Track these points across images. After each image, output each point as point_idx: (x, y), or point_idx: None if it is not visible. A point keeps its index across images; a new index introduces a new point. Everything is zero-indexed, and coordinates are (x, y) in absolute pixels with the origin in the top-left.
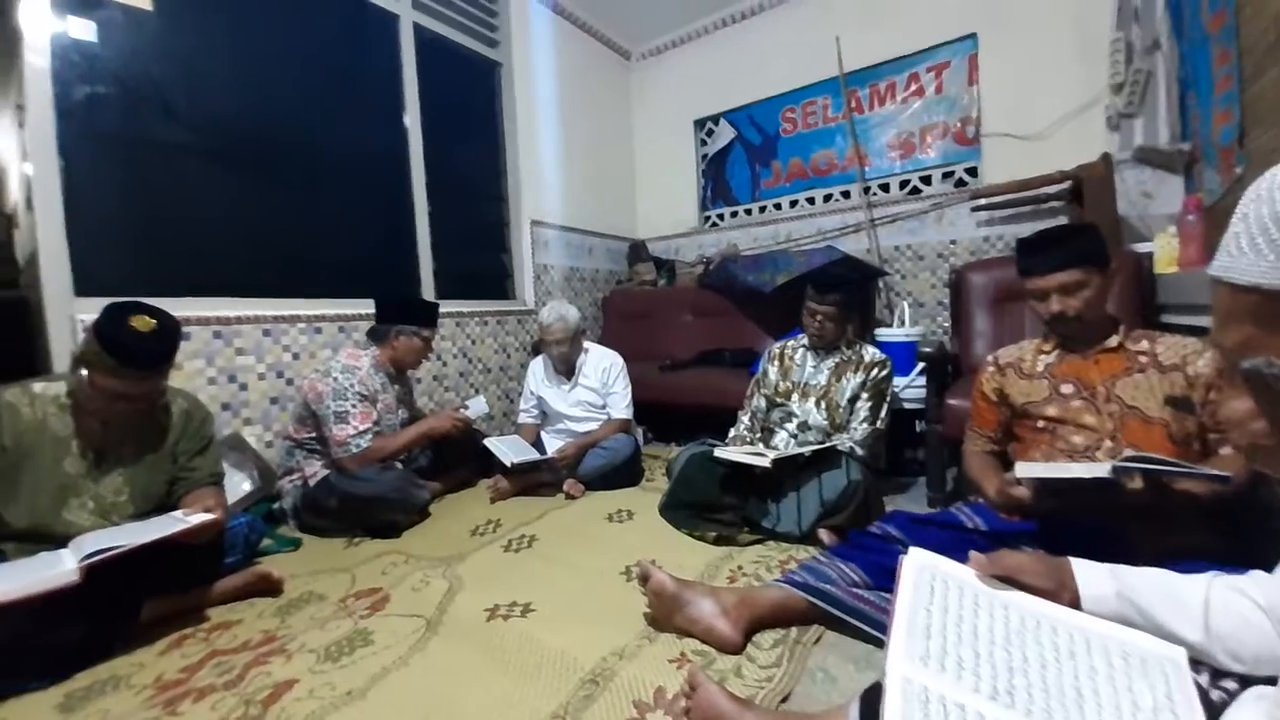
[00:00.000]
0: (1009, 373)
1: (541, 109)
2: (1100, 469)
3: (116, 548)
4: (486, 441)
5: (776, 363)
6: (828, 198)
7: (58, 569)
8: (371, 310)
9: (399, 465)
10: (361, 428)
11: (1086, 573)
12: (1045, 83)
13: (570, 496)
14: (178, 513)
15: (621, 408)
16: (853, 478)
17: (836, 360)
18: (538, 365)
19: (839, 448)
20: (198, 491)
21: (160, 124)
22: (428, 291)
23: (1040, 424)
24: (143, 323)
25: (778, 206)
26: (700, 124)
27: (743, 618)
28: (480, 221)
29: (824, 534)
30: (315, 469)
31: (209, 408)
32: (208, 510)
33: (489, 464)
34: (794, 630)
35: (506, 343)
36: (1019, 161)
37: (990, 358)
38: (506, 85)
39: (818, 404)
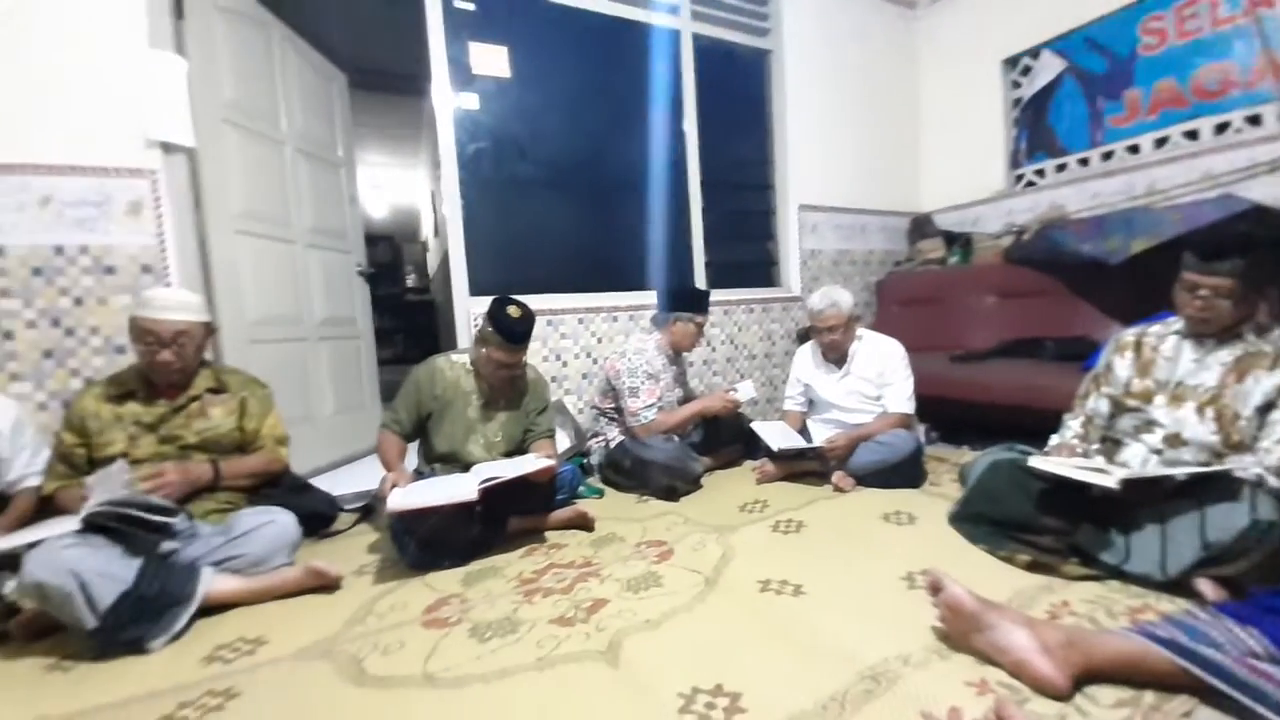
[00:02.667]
0: None
1: (812, 90)
2: None
3: (499, 478)
4: (754, 425)
5: (1130, 355)
6: (1221, 128)
7: (464, 488)
8: (652, 300)
9: (677, 439)
10: (649, 402)
11: None
12: None
13: (839, 489)
14: (530, 455)
15: (901, 401)
16: (1261, 516)
17: (1236, 353)
18: (805, 352)
19: (1237, 474)
20: (540, 441)
21: (516, 165)
22: (700, 281)
23: None
24: (515, 310)
25: (1133, 149)
26: (1012, 63)
27: (1071, 662)
28: (747, 212)
29: (1205, 585)
30: (614, 434)
31: (545, 378)
32: (549, 457)
33: (754, 446)
34: (1149, 694)
35: (771, 330)
36: None
37: None
38: (776, 72)
39: (1200, 411)
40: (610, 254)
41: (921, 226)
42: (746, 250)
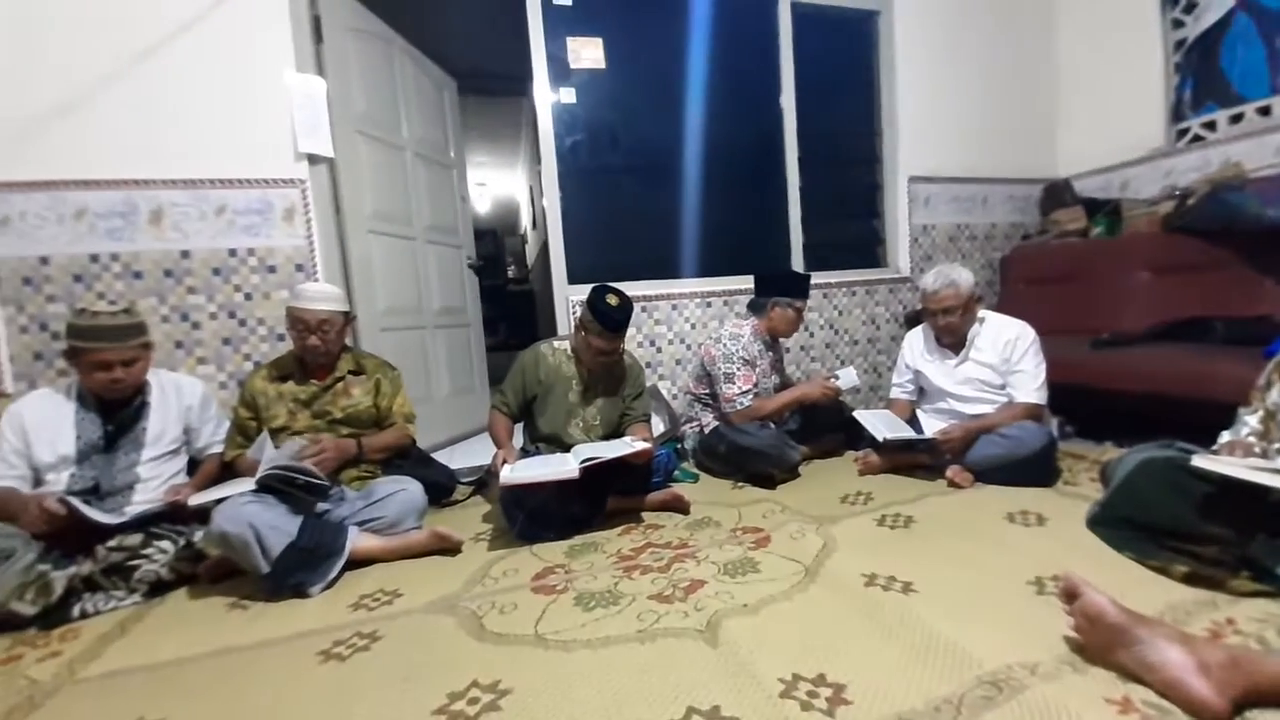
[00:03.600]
0: None
1: (925, 49)
2: None
3: (599, 458)
4: (856, 414)
5: None
6: None
7: (566, 466)
8: (747, 285)
9: (773, 426)
10: (745, 388)
11: None
12: None
13: (954, 484)
14: (627, 438)
15: (1031, 390)
16: None
17: None
18: (916, 337)
19: None
20: (635, 425)
21: (610, 154)
22: (797, 264)
23: None
24: (614, 298)
25: None
26: (1172, 0)
27: (1233, 684)
28: (849, 189)
29: None
30: (709, 419)
31: (640, 363)
32: (645, 440)
33: (855, 436)
34: None
35: (875, 314)
36: None
37: None
38: (885, 34)
39: None
40: (704, 239)
41: (1057, 194)
42: (848, 229)
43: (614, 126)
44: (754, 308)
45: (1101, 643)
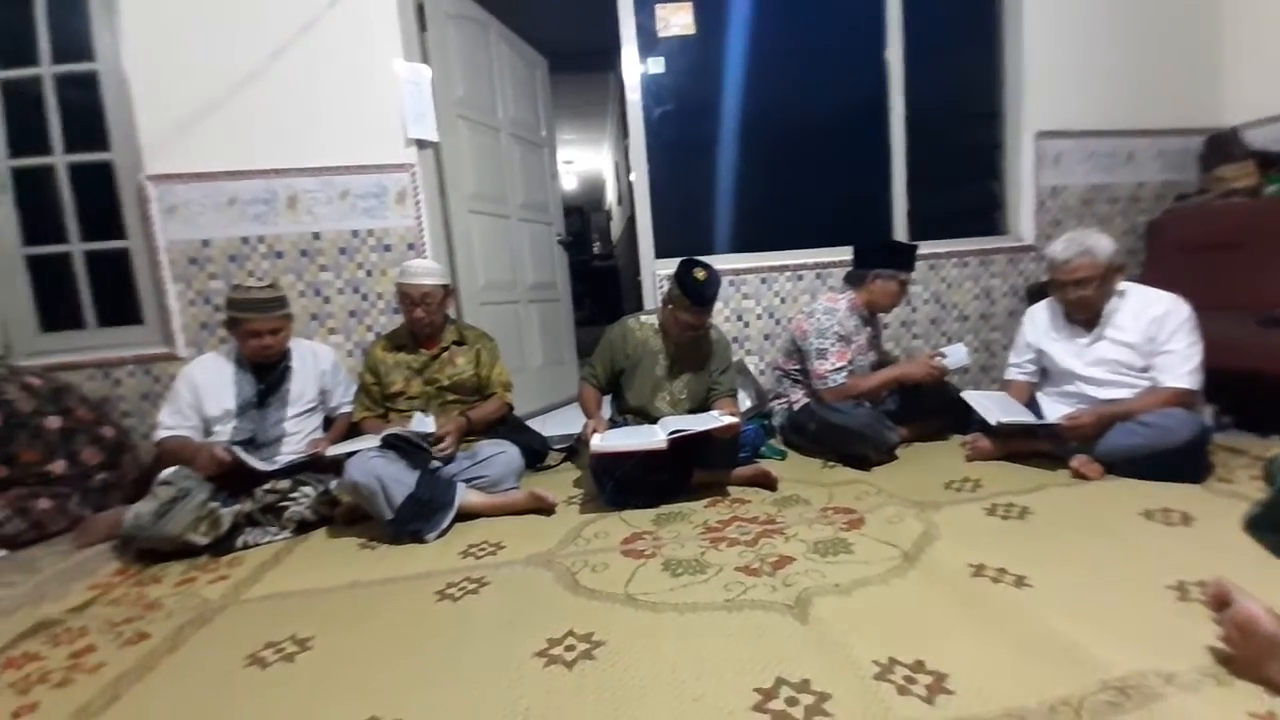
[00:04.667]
0: None
1: None
2: None
3: (686, 430)
4: (966, 395)
5: None
6: None
7: (654, 437)
8: (841, 258)
9: (868, 404)
10: (838, 365)
11: None
12: None
13: (1080, 475)
14: (714, 412)
15: (1181, 373)
16: None
17: None
18: (1040, 312)
19: None
20: (722, 400)
21: (698, 124)
22: (899, 233)
23: None
24: (701, 273)
25: None
26: None
27: None
28: (963, 148)
29: None
30: (798, 396)
31: (727, 338)
32: (731, 415)
33: (964, 418)
34: None
35: (990, 286)
36: None
37: None
38: None
39: None
40: (796, 209)
41: (1222, 147)
42: (960, 194)
43: (703, 94)
44: (851, 280)
45: (1253, 655)
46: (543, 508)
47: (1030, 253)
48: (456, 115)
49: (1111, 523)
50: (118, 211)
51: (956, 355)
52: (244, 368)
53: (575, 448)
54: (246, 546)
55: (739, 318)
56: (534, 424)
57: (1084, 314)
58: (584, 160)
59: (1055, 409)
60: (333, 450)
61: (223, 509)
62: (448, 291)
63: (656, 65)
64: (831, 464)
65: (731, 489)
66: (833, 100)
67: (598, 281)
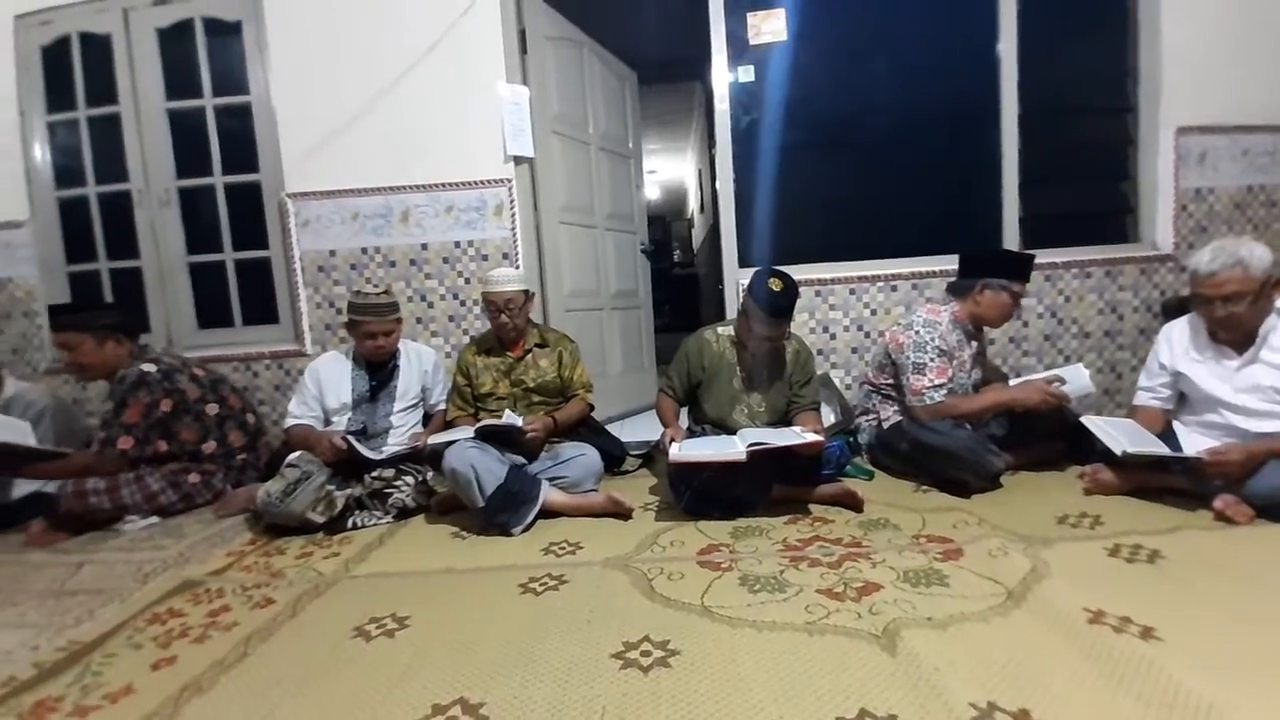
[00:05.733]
0: None
1: None
2: None
3: (766, 444)
4: (1087, 420)
5: None
6: None
7: (734, 449)
8: (941, 267)
9: (968, 425)
10: (937, 381)
11: None
12: None
13: (1224, 518)
14: (796, 428)
15: None
16: None
17: None
18: (1178, 330)
19: None
20: (804, 414)
21: (787, 130)
22: (1010, 241)
23: None
24: (776, 283)
25: None
26: None
27: None
28: (1085, 147)
29: None
30: (889, 413)
31: (810, 350)
32: (815, 432)
33: (1082, 446)
34: None
35: (1118, 300)
36: None
37: None
38: None
39: None
40: (891, 215)
41: None
42: (1081, 197)
43: (793, 100)
44: (956, 290)
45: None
46: (620, 511)
47: (1168, 263)
48: (551, 131)
49: (1263, 573)
50: (262, 225)
51: (1078, 381)
52: (359, 365)
53: (652, 455)
54: (355, 527)
55: (825, 329)
56: (612, 429)
57: (1233, 334)
58: (667, 169)
59: (1195, 441)
60: (433, 439)
61: (337, 492)
62: (529, 296)
63: (746, 74)
64: (925, 488)
65: (813, 507)
66: (935, 98)
67: (678, 289)
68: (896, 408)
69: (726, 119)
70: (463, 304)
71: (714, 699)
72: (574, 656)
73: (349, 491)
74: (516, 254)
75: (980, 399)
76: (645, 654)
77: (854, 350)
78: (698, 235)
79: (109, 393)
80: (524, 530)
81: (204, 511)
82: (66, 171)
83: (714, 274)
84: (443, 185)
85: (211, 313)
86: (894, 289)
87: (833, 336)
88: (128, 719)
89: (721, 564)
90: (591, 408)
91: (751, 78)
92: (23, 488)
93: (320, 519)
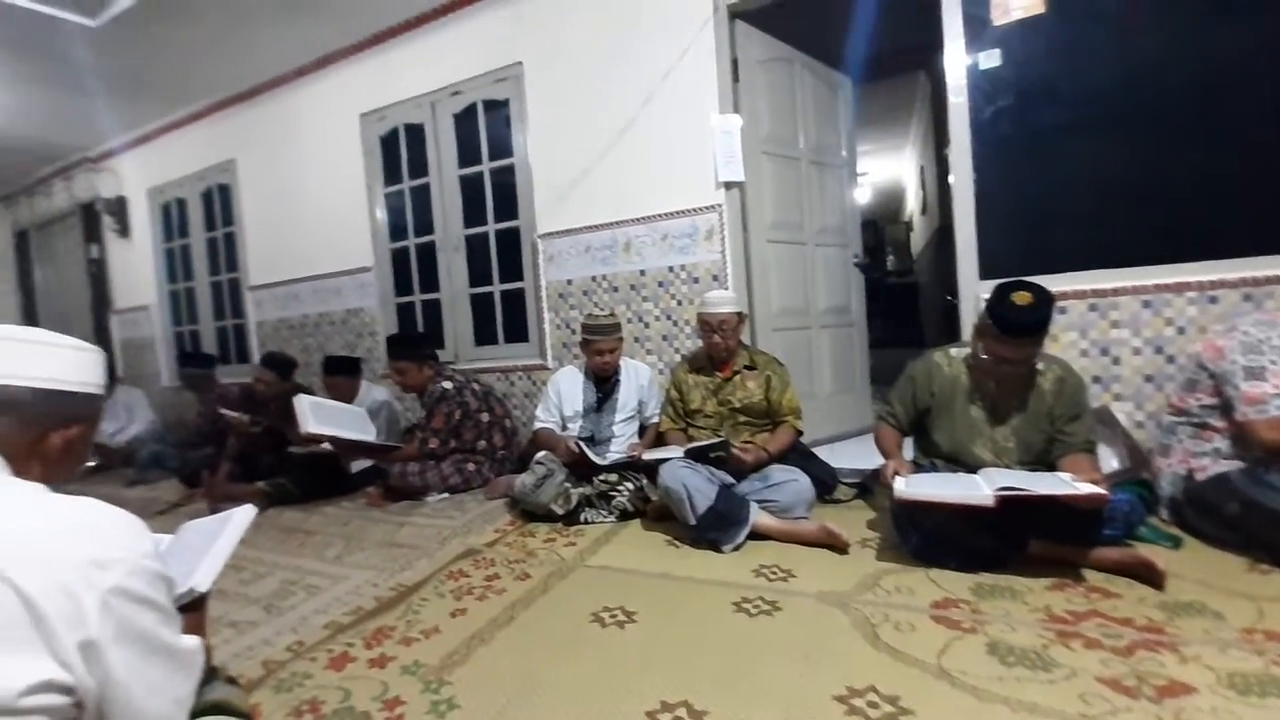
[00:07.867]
0: None
1: None
2: None
3: (1023, 490)
4: None
5: None
6: None
7: (976, 490)
8: None
9: None
10: None
11: None
12: None
13: None
14: (1067, 476)
15: None
16: None
17: None
18: None
19: None
20: (1074, 456)
21: (1046, 112)
22: None
23: None
24: (1021, 297)
25: None
26: None
27: None
28: None
29: None
30: (1204, 457)
31: (1081, 378)
32: (1094, 482)
33: None
34: None
35: None
36: None
37: None
38: None
39: None
40: (1209, 208)
41: None
42: None
43: (1052, 80)
44: None
45: None
46: (836, 544)
47: None
48: (761, 152)
49: None
50: (519, 261)
51: None
52: (589, 378)
53: (868, 485)
54: (586, 523)
55: (1102, 352)
56: (821, 453)
57: None
58: (880, 170)
59: None
60: (648, 455)
61: (573, 489)
62: (741, 318)
63: (989, 59)
64: (1265, 567)
65: (1087, 573)
66: (1247, 45)
67: (892, 300)
68: (1215, 445)
69: (964, 111)
70: (675, 324)
71: None
72: (795, 689)
73: (581, 490)
74: (726, 275)
75: None
76: (873, 705)
77: (1148, 379)
78: (918, 239)
79: (421, 403)
80: (734, 549)
81: (477, 493)
82: (395, 229)
83: (937, 282)
84: (659, 215)
85: (484, 332)
86: (1213, 300)
87: (1115, 361)
88: (437, 653)
89: (962, 623)
90: (800, 433)
91: (997, 62)
92: (361, 464)
93: (560, 510)
